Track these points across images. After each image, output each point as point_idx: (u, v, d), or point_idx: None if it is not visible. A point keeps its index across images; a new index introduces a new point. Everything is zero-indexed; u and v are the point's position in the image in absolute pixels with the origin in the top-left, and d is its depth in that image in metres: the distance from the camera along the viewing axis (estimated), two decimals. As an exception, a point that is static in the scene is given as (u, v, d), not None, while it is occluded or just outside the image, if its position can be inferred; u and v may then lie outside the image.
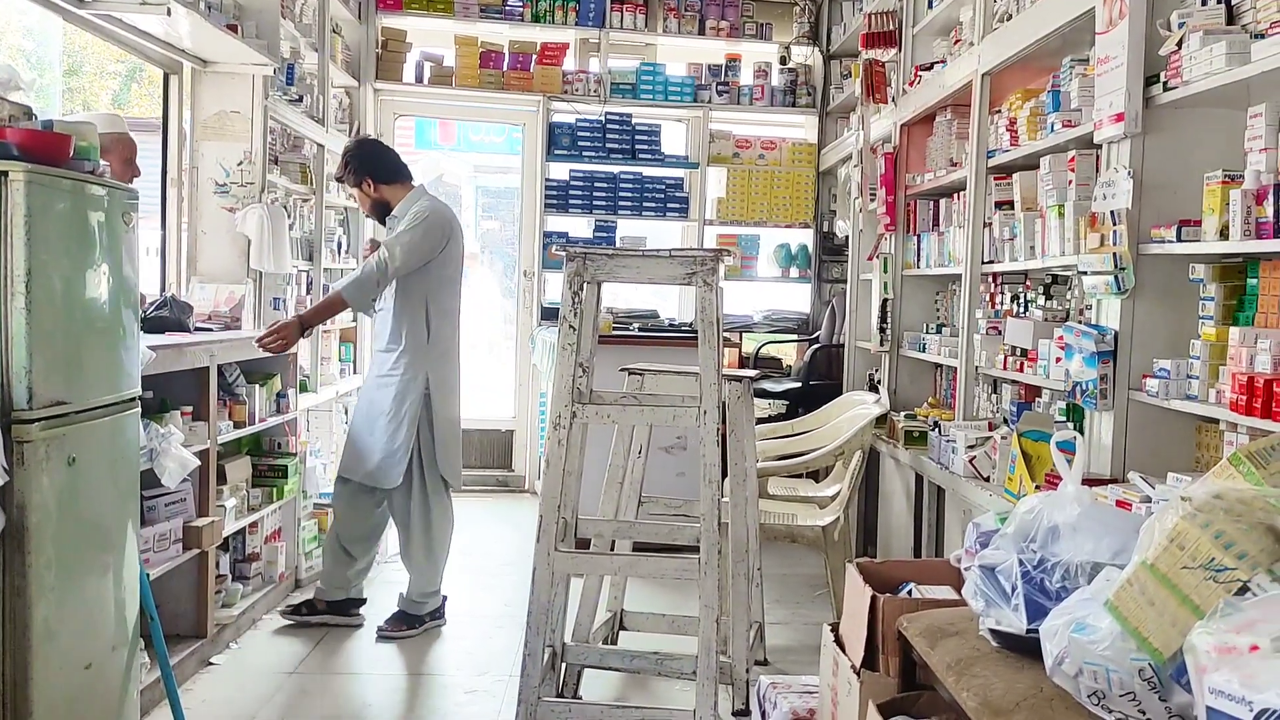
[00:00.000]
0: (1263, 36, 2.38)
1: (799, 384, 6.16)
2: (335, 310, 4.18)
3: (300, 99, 4.94)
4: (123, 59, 6.65)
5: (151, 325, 3.64)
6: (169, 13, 3.47)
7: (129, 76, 8.86)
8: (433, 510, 4.13)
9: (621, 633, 3.81)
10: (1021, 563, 1.92)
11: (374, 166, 4.13)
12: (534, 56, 6.58)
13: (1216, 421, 2.66)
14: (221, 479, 3.81)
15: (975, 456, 3.63)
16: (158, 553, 3.31)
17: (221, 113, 4.39)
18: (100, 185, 2.48)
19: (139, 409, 2.77)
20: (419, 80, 6.48)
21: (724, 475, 3.21)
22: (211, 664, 3.66)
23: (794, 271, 6.98)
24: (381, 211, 4.15)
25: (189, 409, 3.52)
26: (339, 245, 5.84)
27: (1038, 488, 3.02)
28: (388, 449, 4.03)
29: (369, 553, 4.25)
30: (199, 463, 3.41)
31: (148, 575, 2.98)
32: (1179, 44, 2.65)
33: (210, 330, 4.03)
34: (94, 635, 2.53)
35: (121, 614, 2.65)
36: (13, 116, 2.36)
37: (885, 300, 5.14)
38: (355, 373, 6.13)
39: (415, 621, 4.11)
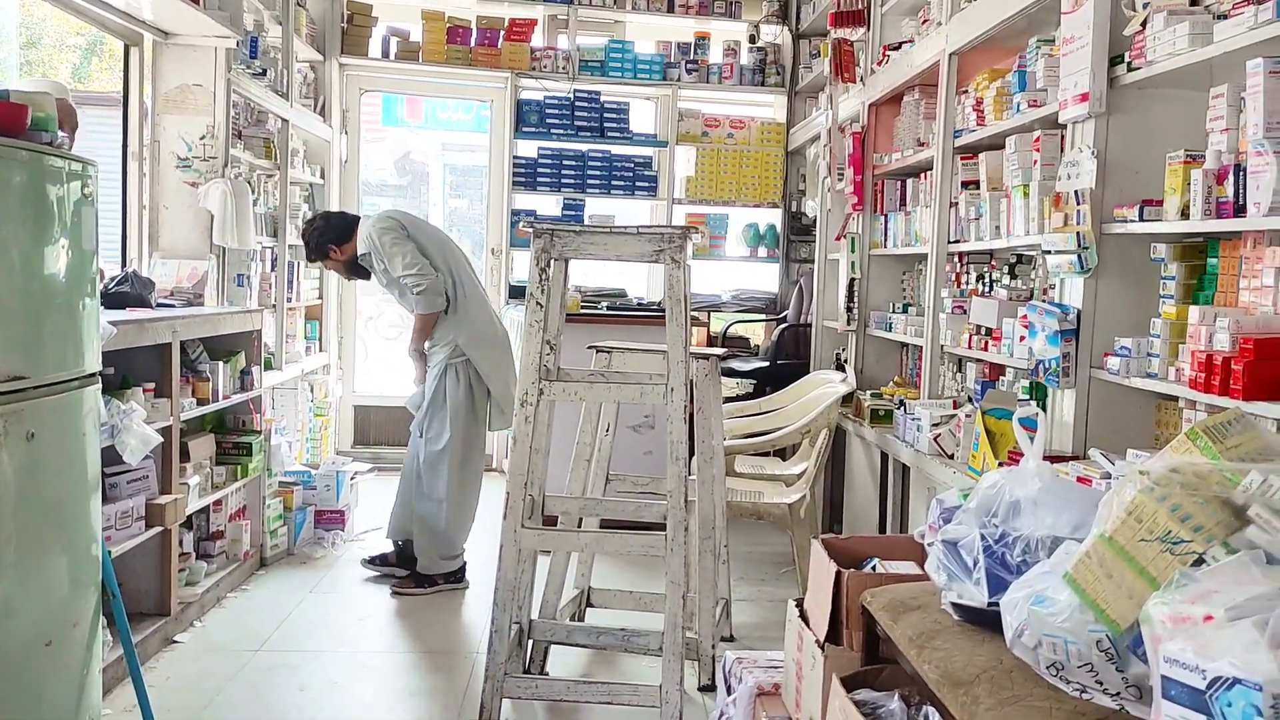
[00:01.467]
0: (1225, 17, 2.40)
1: (766, 363, 6.18)
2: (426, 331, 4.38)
3: (264, 73, 4.88)
4: (83, 31, 6.53)
5: (113, 301, 3.60)
6: (128, -19, 3.41)
7: (89, 50, 8.70)
8: (469, 466, 4.33)
9: (588, 609, 3.83)
10: (983, 537, 1.94)
11: (333, 233, 4.36)
12: (502, 32, 6.53)
13: (1176, 399, 2.70)
14: (185, 456, 3.77)
15: (940, 434, 3.66)
16: (120, 530, 3.28)
17: (183, 85, 4.33)
18: (59, 157, 2.44)
19: (99, 385, 2.73)
20: (385, 55, 6.42)
21: (691, 453, 3.22)
22: (175, 642, 3.63)
23: (762, 251, 6.99)
24: (356, 267, 4.41)
25: (151, 386, 3.48)
26: (304, 221, 5.78)
27: (1001, 464, 3.05)
28: (429, 397, 4.36)
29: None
30: (161, 440, 3.38)
31: (109, 553, 2.94)
32: (1143, 24, 2.67)
33: (173, 306, 3.99)
34: (55, 613, 2.50)
35: (83, 591, 2.62)
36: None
37: (852, 280, 5.16)
38: (321, 350, 6.08)
39: (427, 581, 4.31)
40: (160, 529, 3.49)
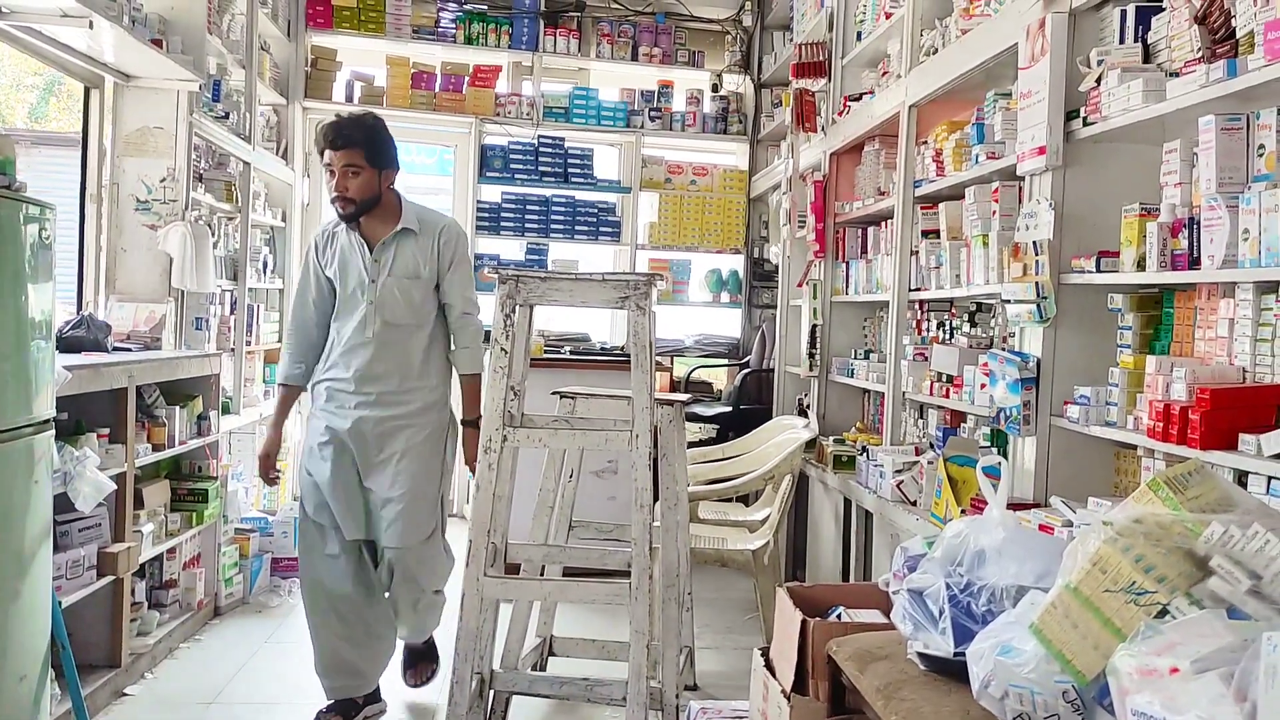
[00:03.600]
0: (1177, 75, 2.46)
1: (729, 408, 6.19)
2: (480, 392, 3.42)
3: (227, 116, 4.86)
4: (40, 71, 6.49)
5: (67, 345, 3.54)
6: (91, 25, 3.39)
7: (47, 90, 8.64)
8: (448, 547, 3.60)
9: (551, 658, 3.78)
10: (949, 586, 1.95)
11: (395, 159, 3.42)
12: (466, 78, 6.56)
13: (1134, 447, 2.74)
14: (139, 503, 3.70)
15: (902, 481, 3.68)
16: (71, 580, 3.20)
17: (144, 128, 4.29)
18: (15, 200, 2.41)
19: (53, 431, 2.68)
20: (349, 99, 6.42)
21: (655, 499, 3.20)
22: (126, 695, 3.53)
23: (725, 296, 7.03)
24: (362, 210, 3.31)
25: (106, 431, 3.42)
26: (264, 264, 5.74)
27: (964, 512, 3.07)
28: (433, 494, 3.47)
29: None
30: (115, 487, 3.31)
31: (60, 603, 2.87)
32: (1098, 81, 2.74)
33: (129, 350, 3.92)
34: (2, 666, 2.42)
35: (32, 643, 2.55)
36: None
37: (814, 326, 5.20)
38: (280, 394, 6.00)
39: (433, 654, 3.80)
40: (112, 578, 3.41)
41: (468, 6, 6.56)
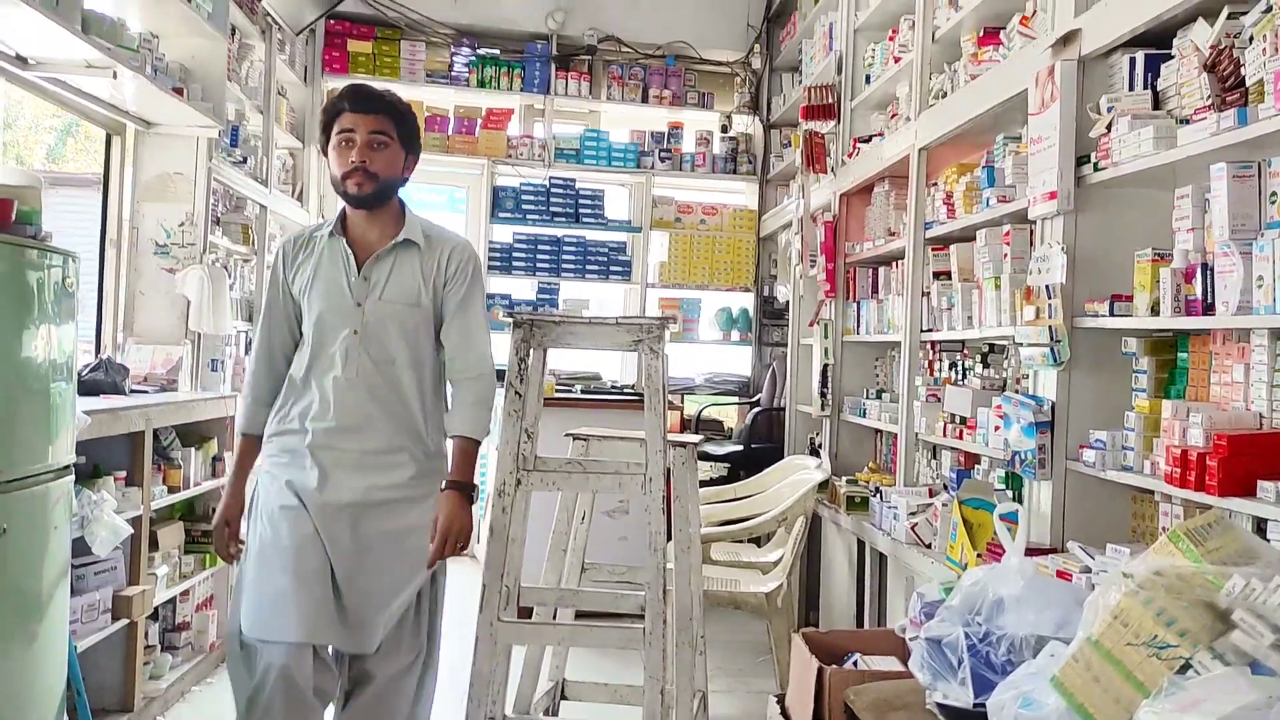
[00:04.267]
0: (1187, 122, 2.49)
1: (741, 447, 6.19)
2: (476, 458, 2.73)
3: (244, 160, 4.92)
4: (59, 113, 6.57)
5: (86, 388, 3.56)
6: (115, 76, 3.44)
7: (65, 131, 8.74)
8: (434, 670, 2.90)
9: (563, 702, 3.76)
10: (967, 635, 1.95)
11: (419, 151, 2.76)
12: (479, 121, 6.64)
13: (1152, 492, 2.73)
14: (154, 545, 3.71)
15: (917, 523, 3.67)
16: (86, 624, 3.20)
17: (164, 174, 4.35)
18: (42, 250, 2.44)
19: (73, 476, 2.69)
20: (363, 142, 6.46)
21: (668, 540, 3.20)
22: (138, 740, 3.53)
23: (735, 335, 7.06)
24: (382, 195, 2.60)
25: (122, 474, 3.44)
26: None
27: (980, 556, 3.06)
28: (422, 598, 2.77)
29: None
30: (131, 530, 3.32)
31: (75, 647, 2.88)
32: (1108, 127, 2.76)
33: (146, 393, 3.95)
34: (18, 713, 2.43)
35: (48, 690, 2.55)
36: (-49, 179, 2.32)
37: (826, 365, 5.21)
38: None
39: None
40: (127, 621, 3.41)
41: (480, 51, 6.64)
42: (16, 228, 2.37)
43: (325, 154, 2.64)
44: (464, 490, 2.60)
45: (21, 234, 2.38)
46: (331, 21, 6.33)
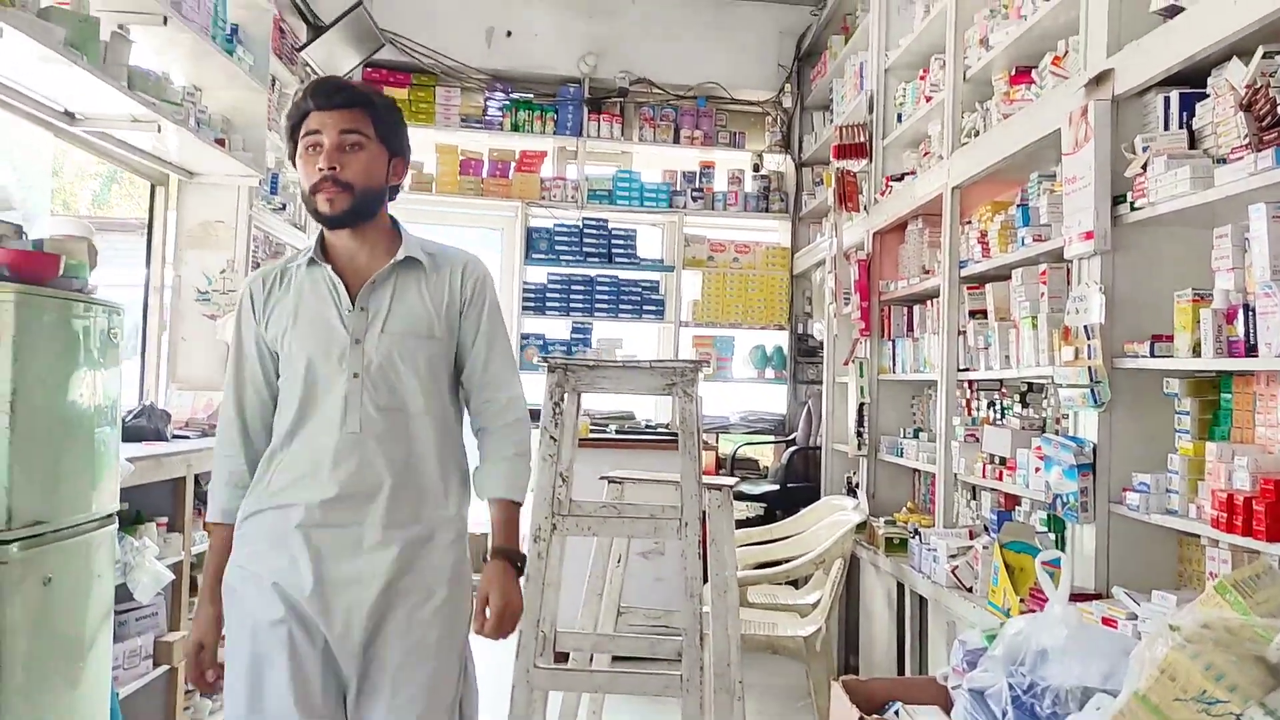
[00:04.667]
0: (1224, 161, 2.47)
1: (776, 486, 6.16)
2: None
3: (284, 207, 5.00)
4: (104, 161, 6.71)
5: (129, 434, 3.61)
6: (159, 129, 3.52)
7: (109, 177, 8.93)
8: None
9: (602, 748, 3.73)
10: (1011, 686, 1.92)
11: (408, 151, 2.29)
12: (513, 164, 6.72)
13: (1198, 536, 2.69)
14: (194, 591, 3.73)
15: (957, 566, 3.63)
16: (128, 670, 3.23)
17: (206, 222, 4.43)
18: (88, 303, 2.49)
19: (116, 524, 2.73)
20: (400, 186, 6.56)
21: (704, 582, 3.18)
22: (178, 785, 3.53)
23: (770, 373, 7.04)
24: (361, 210, 2.12)
25: (164, 520, 3.47)
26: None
27: (1022, 601, 3.01)
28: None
29: None
30: (173, 577, 3.35)
31: (118, 694, 2.90)
32: (1144, 166, 2.75)
33: (187, 438, 4.00)
34: (61, 762, 2.45)
35: (91, 738, 2.57)
36: (3, 235, 2.38)
37: (862, 404, 5.18)
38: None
39: None
40: (168, 667, 3.43)
41: (514, 95, 6.74)
42: (64, 281, 2.42)
43: (294, 164, 2.14)
44: (514, 560, 2.16)
45: (69, 287, 2.43)
46: (368, 69, 6.44)
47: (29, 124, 3.46)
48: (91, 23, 3.04)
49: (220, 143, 4.04)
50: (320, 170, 2.04)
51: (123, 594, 3.09)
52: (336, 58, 5.83)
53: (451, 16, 6.56)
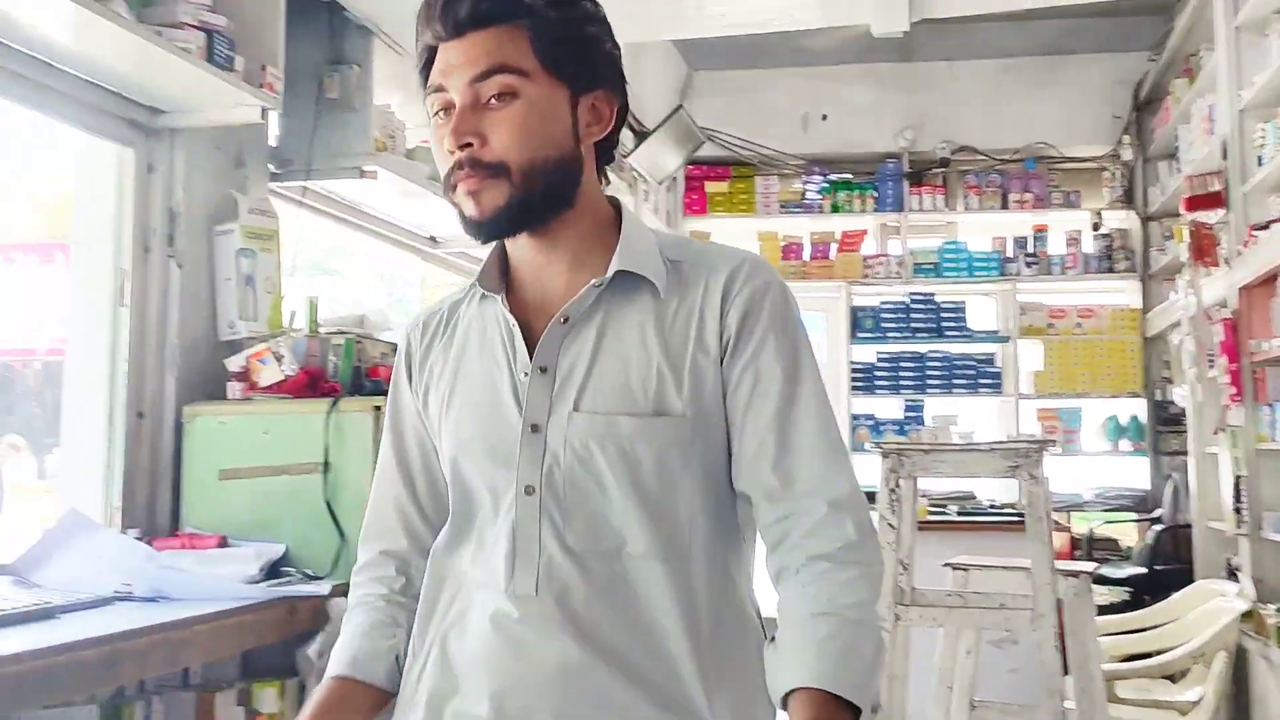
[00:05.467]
0: None
1: (1143, 568, 5.64)
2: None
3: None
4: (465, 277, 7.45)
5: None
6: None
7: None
8: None
9: None
10: None
11: (618, 79, 1.26)
12: (834, 244, 6.75)
13: None
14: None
15: (1373, 664, 3.15)
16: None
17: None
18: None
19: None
20: (723, 277, 6.78)
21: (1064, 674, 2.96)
22: None
23: (1125, 444, 6.52)
24: (511, 222, 1.21)
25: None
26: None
27: None
28: None
29: None
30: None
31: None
32: None
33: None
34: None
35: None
36: (384, 354, 2.70)
37: (1238, 477, 4.67)
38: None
39: None
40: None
41: (832, 177, 6.79)
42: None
43: None
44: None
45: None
46: (690, 167, 6.75)
47: (399, 251, 3.95)
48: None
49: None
50: (451, 152, 1.18)
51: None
52: (660, 159, 6.16)
53: (768, 107, 6.73)
